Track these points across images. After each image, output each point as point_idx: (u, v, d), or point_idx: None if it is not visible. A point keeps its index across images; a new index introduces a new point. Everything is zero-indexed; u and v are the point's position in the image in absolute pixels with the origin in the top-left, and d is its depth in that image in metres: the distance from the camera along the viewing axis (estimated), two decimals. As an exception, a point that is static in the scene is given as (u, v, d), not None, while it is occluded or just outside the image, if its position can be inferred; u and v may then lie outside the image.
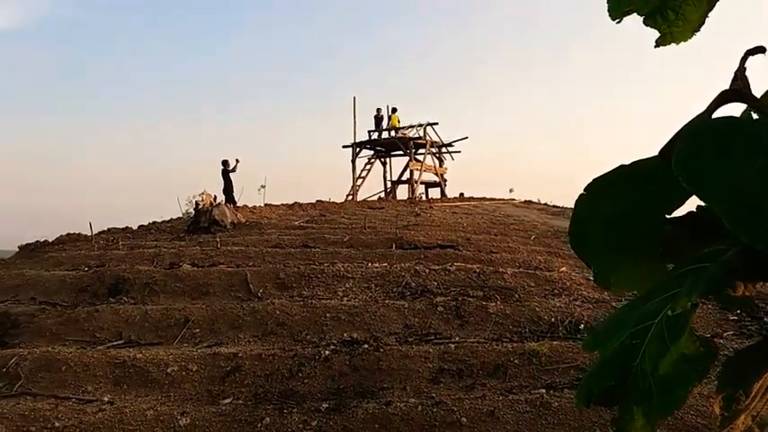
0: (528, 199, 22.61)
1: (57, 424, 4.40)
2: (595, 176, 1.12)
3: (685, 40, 1.08)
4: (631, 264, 1.12)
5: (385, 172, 26.63)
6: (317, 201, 18.16)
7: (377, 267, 7.84)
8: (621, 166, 1.07)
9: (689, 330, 0.85)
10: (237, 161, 16.91)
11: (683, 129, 1.02)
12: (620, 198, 1.08)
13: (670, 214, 1.02)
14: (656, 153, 1.07)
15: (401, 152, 25.07)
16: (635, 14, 1.11)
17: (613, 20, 1.14)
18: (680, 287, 0.88)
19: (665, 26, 1.11)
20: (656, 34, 1.09)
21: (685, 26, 1.06)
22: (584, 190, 1.12)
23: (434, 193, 26.64)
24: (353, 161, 25.01)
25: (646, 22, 1.12)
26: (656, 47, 1.14)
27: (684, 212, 1.02)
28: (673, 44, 1.13)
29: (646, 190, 1.04)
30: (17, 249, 13.70)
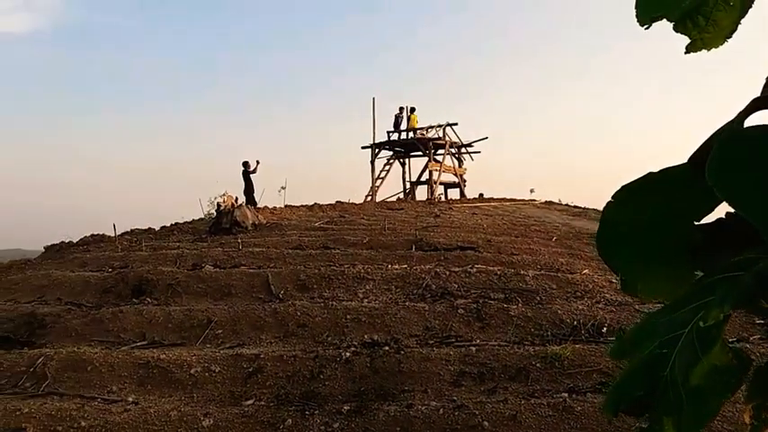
0: (549, 200, 22.44)
1: (83, 423, 4.48)
2: (623, 183, 1.11)
3: (716, 47, 1.07)
4: (659, 271, 1.11)
5: (404, 173, 26.61)
6: (337, 202, 18.22)
7: (397, 269, 7.84)
8: (650, 174, 1.06)
9: (721, 341, 0.84)
10: (258, 162, 17.03)
11: (713, 136, 1.01)
12: (649, 205, 1.07)
13: (699, 221, 1.01)
14: (686, 160, 1.06)
15: (420, 153, 25.03)
16: (664, 20, 1.09)
17: (642, 26, 1.13)
18: (711, 296, 0.87)
19: (695, 32, 1.09)
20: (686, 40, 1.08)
21: (716, 32, 1.04)
22: (612, 197, 1.11)
23: (454, 193, 26.55)
24: (372, 162, 25.02)
25: (676, 29, 1.10)
26: (686, 53, 1.13)
27: (713, 219, 1.01)
28: (704, 50, 1.12)
29: (674, 197, 1.03)
30: (43, 250, 13.97)
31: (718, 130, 1.01)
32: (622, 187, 1.09)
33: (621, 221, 1.11)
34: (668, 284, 1.09)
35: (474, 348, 5.34)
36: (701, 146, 1.04)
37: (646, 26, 1.12)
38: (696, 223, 1.03)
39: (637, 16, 1.12)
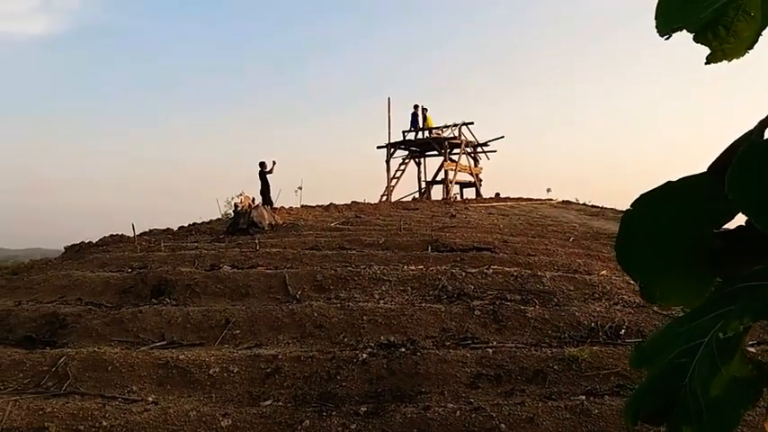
0: (566, 199, 22.29)
1: (104, 423, 4.54)
2: (643, 192, 1.11)
3: (738, 57, 1.06)
4: (678, 277, 1.11)
5: (419, 172, 26.62)
6: (352, 202, 18.28)
7: (413, 270, 7.85)
8: (669, 182, 1.06)
9: (741, 352, 0.84)
10: (274, 163, 17.11)
11: (732, 146, 1.01)
12: (668, 212, 1.07)
13: (719, 228, 1.01)
14: (705, 169, 1.06)
15: (436, 152, 25.01)
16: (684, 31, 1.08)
17: (662, 36, 1.12)
18: (731, 305, 0.87)
19: (716, 43, 1.08)
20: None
21: (738, 43, 1.04)
22: (632, 205, 1.11)
23: (469, 193, 26.50)
24: (388, 162, 25.05)
25: (696, 39, 1.09)
26: (706, 63, 1.12)
27: (734, 226, 1.01)
28: (725, 61, 1.11)
29: (694, 204, 1.03)
30: (62, 249, 14.19)
31: (738, 139, 1.01)
32: (641, 195, 1.09)
33: (641, 228, 1.11)
34: (688, 291, 1.09)
35: (491, 350, 5.33)
36: (721, 155, 1.04)
37: (666, 36, 1.12)
38: (716, 230, 1.03)
39: (657, 26, 1.12)
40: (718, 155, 1.06)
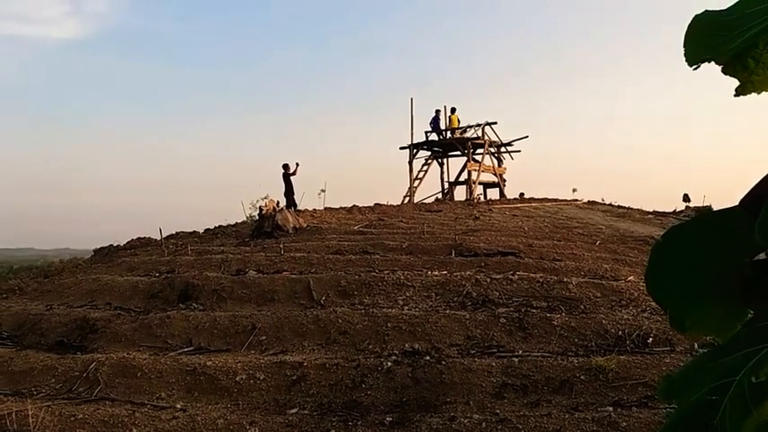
0: (592, 199, 22.03)
1: (134, 430, 4.63)
2: (674, 225, 1.11)
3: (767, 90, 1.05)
4: (709, 308, 1.10)
5: (442, 173, 26.51)
6: (375, 204, 18.27)
7: (436, 276, 7.84)
8: (699, 216, 1.06)
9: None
10: (297, 165, 17.20)
11: (764, 180, 1.00)
12: (700, 243, 1.06)
13: (751, 259, 1.00)
14: (738, 203, 1.05)
15: (459, 153, 24.89)
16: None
17: (690, 66, 1.11)
18: (764, 342, 0.86)
19: (745, 75, 1.07)
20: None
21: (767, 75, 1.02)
22: (662, 237, 1.10)
23: (493, 193, 26.32)
24: (411, 162, 24.99)
25: (724, 71, 1.08)
26: (736, 95, 1.11)
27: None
28: (754, 93, 1.10)
29: (726, 237, 1.02)
30: (90, 249, 14.48)
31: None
32: (672, 228, 1.09)
33: (671, 259, 1.10)
34: (719, 322, 1.07)
35: (516, 359, 5.30)
36: (753, 189, 1.03)
37: (694, 67, 1.11)
38: (749, 260, 1.02)
39: (685, 56, 1.11)
40: (750, 189, 1.05)
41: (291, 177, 17.13)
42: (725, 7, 1.10)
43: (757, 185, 1.02)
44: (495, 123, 24.45)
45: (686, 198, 19.20)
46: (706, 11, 1.16)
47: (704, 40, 1.13)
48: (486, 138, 24.26)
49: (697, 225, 1.07)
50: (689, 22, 1.15)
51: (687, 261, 1.09)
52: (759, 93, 1.12)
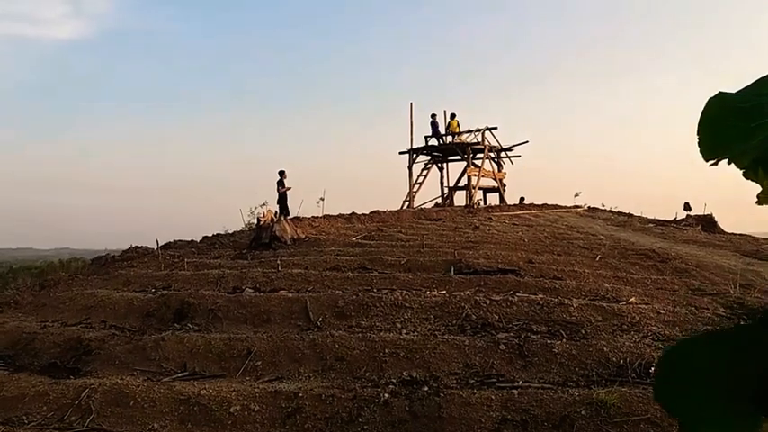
0: (592, 206, 21.96)
1: (125, 469, 4.52)
2: (684, 338, 1.04)
3: None
4: (722, 418, 1.03)
5: (442, 178, 26.46)
6: (374, 211, 18.15)
7: (435, 296, 7.73)
8: (715, 330, 0.99)
9: None
10: (289, 188, 17.33)
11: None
12: (711, 352, 1.00)
13: (765, 370, 0.93)
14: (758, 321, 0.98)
15: (458, 157, 24.84)
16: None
17: (706, 161, 1.04)
18: None
19: (767, 181, 0.99)
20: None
21: None
22: (670, 347, 1.05)
23: (493, 198, 26.27)
24: (410, 167, 24.93)
25: (745, 176, 1.01)
26: (758, 203, 1.03)
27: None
28: None
29: (742, 349, 0.96)
30: (88, 250, 14.37)
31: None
32: (684, 340, 1.03)
33: (681, 367, 1.04)
34: (731, 429, 1.01)
35: (516, 392, 5.19)
36: None
37: (711, 164, 1.03)
38: (763, 368, 0.95)
39: (700, 147, 1.03)
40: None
41: (285, 181, 17.19)
42: (740, 88, 1.01)
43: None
44: (495, 128, 24.44)
45: (687, 207, 19.18)
46: (720, 93, 1.07)
47: (721, 132, 1.03)
48: (485, 143, 24.20)
49: (711, 337, 0.99)
50: (704, 105, 1.05)
51: (700, 371, 1.01)
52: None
